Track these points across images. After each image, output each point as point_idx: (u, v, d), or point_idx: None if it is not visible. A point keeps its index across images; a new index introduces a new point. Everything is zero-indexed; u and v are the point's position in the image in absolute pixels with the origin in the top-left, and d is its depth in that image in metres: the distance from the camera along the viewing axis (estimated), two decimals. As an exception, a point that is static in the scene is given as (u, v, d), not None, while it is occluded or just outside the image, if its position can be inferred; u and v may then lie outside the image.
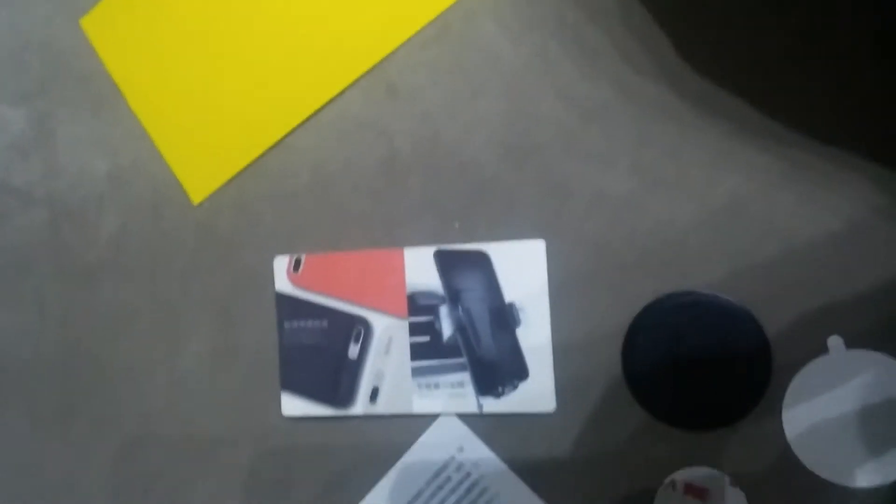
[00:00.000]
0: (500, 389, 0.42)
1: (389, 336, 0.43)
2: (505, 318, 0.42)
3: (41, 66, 0.48)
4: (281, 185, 0.45)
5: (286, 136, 0.45)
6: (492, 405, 0.42)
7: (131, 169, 0.47)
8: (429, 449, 0.43)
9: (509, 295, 0.42)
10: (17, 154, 0.48)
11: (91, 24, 0.47)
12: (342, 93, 0.45)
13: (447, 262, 0.43)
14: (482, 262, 0.42)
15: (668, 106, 0.41)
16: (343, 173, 0.45)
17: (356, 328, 0.43)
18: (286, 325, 0.44)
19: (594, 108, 0.42)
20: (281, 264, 0.45)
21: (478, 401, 0.42)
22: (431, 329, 0.43)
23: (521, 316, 0.41)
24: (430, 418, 0.43)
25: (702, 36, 0.40)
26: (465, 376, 0.42)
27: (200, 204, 0.46)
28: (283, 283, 0.45)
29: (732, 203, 0.39)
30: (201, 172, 0.46)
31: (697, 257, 0.40)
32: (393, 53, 0.44)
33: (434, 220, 0.43)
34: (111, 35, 0.47)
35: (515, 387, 0.41)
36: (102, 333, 0.47)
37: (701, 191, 0.40)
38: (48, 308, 0.47)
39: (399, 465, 0.43)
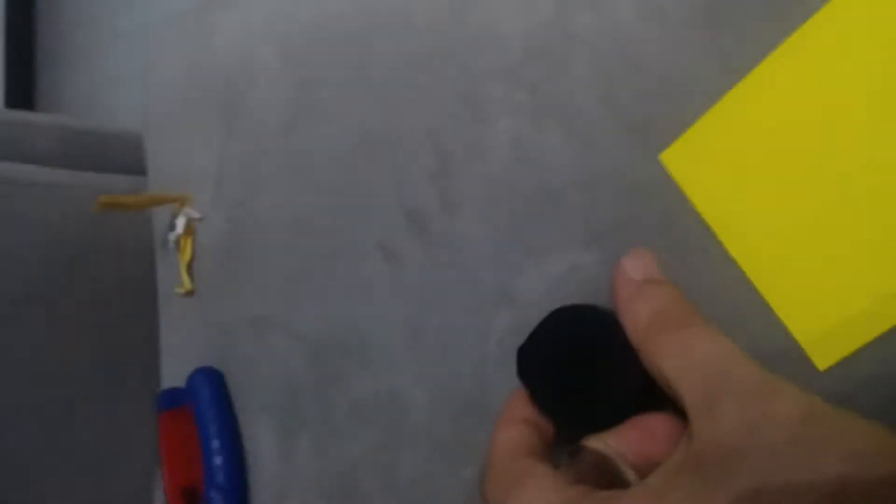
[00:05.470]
0: None
1: None
2: None
3: (614, 203, 0.43)
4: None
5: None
6: None
7: (725, 322, 0.39)
8: None
9: None
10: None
11: (673, 160, 0.42)
12: None
13: None
14: None
15: None
16: None
17: None
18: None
19: None
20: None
21: None
22: None
23: None
24: None
25: None
26: None
27: (828, 370, 0.37)
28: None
29: None
30: (829, 329, 0.37)
31: None
32: None
33: None
34: (699, 171, 0.41)
35: None
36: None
37: None
38: None
39: None
